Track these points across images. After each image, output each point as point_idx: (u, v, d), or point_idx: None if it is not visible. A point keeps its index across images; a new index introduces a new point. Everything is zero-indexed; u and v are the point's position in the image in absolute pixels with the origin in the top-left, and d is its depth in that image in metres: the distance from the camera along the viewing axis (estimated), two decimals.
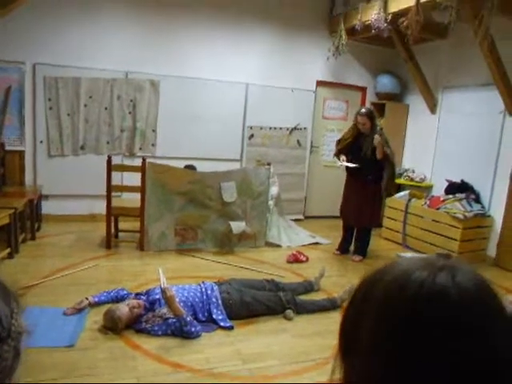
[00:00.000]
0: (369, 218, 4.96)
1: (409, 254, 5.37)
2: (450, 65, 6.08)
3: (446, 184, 5.85)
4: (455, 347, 0.53)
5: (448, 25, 4.56)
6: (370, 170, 4.82)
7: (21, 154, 5.57)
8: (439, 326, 0.53)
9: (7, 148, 5.39)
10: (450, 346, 0.53)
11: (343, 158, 4.95)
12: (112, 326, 3.03)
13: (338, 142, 5.15)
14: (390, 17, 5.23)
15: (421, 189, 6.37)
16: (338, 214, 5.32)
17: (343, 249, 5.25)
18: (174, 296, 3.04)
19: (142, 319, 3.10)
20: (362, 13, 5.74)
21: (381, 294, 0.59)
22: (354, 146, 4.89)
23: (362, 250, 5.11)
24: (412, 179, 6.49)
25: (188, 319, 3.03)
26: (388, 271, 0.61)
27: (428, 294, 0.55)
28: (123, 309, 3.06)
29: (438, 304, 0.54)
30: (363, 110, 4.89)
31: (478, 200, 5.53)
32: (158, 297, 3.21)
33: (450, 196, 5.58)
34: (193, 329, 3.02)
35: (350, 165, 4.87)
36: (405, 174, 6.64)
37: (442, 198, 5.62)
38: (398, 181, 6.57)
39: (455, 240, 5.21)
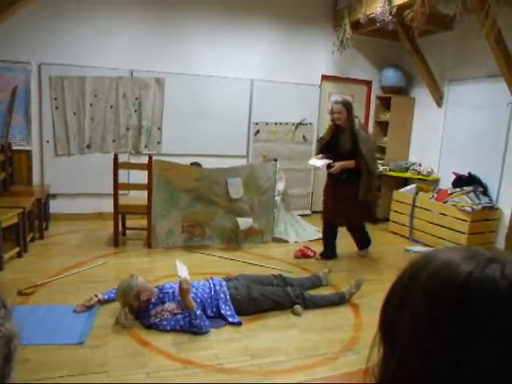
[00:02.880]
0: (359, 217, 4.69)
1: (416, 248, 5.36)
2: (455, 57, 6.03)
3: (453, 177, 5.82)
4: (501, 334, 0.53)
5: (454, 16, 4.52)
6: (346, 169, 4.43)
7: (28, 153, 5.60)
8: (486, 315, 0.54)
9: (14, 148, 5.43)
10: (496, 333, 0.53)
11: (319, 156, 4.60)
12: (127, 288, 3.12)
13: (320, 140, 4.88)
14: (394, 9, 5.19)
15: (428, 182, 6.34)
16: None
17: (327, 255, 4.84)
18: (189, 289, 3.09)
19: (150, 313, 3.12)
20: (367, 6, 5.71)
21: (425, 282, 0.59)
22: (332, 142, 4.54)
23: (364, 244, 4.95)
24: (419, 173, 6.46)
25: (198, 313, 3.06)
26: (432, 259, 0.61)
27: (476, 284, 0.55)
28: (139, 278, 3.23)
29: (485, 294, 0.54)
30: (338, 99, 4.61)
31: (485, 193, 5.49)
32: (171, 291, 3.25)
33: (458, 189, 5.54)
34: (202, 323, 3.04)
35: (318, 163, 4.52)
36: (412, 167, 6.61)
37: (449, 191, 5.59)
38: (404, 175, 6.55)
39: (463, 233, 5.18)
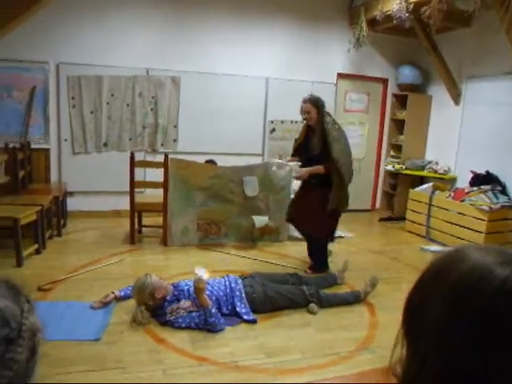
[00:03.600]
0: (318, 229, 4.18)
1: (433, 247, 5.31)
2: (473, 54, 5.94)
3: (471, 176, 5.74)
4: None
5: (472, 12, 4.46)
6: (315, 174, 4.04)
7: (46, 152, 5.69)
8: None
9: (33, 146, 5.51)
10: None
11: (288, 158, 4.39)
12: (142, 287, 3.16)
13: (295, 141, 4.54)
14: (411, 6, 5.15)
15: (444, 181, 6.27)
16: (360, 207, 5.11)
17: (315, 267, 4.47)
18: (204, 288, 3.11)
19: (166, 310, 3.15)
20: (383, 3, 5.66)
21: (454, 282, 0.58)
22: (305, 144, 4.17)
23: (318, 265, 4.30)
24: (436, 171, 6.39)
25: (213, 311, 3.07)
26: (460, 259, 0.60)
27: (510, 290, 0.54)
28: (153, 276, 3.25)
29: None
30: (306, 97, 4.08)
31: (504, 191, 5.41)
32: (186, 288, 3.27)
33: (475, 188, 5.47)
34: (217, 321, 3.05)
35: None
36: (428, 166, 6.54)
37: (466, 190, 5.52)
38: (421, 173, 6.48)
39: (481, 232, 5.11)
